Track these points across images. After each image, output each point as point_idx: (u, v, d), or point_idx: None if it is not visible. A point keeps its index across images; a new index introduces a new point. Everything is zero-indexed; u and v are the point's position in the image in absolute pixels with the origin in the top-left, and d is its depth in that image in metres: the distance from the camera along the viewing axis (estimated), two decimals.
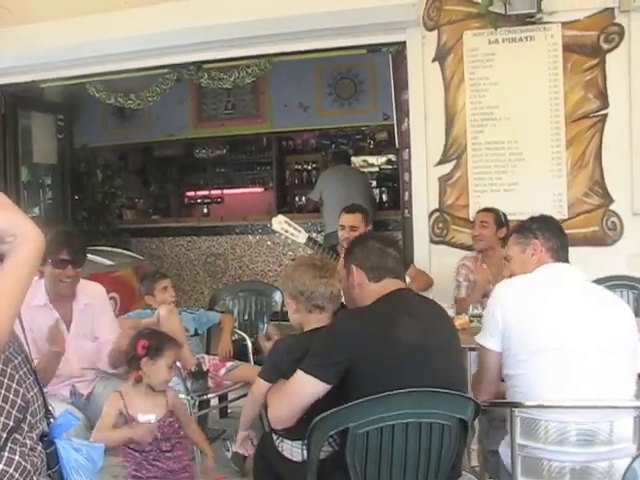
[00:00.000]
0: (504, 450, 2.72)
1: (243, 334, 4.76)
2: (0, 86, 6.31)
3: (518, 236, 2.96)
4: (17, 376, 1.38)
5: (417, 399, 2.28)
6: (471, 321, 3.92)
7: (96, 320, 3.69)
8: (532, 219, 3.00)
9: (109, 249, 6.76)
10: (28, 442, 1.36)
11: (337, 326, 2.55)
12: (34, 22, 5.60)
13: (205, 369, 4.26)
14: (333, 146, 9.65)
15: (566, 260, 2.88)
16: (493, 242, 4.50)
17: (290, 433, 2.56)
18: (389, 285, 2.59)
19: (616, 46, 4.71)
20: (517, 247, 2.94)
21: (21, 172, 7.05)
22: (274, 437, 2.67)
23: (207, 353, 4.63)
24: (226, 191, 10.48)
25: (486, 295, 4.28)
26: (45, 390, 1.53)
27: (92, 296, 3.76)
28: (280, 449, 2.64)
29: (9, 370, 1.36)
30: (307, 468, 2.39)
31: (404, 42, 5.15)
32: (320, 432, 2.32)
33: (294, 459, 2.59)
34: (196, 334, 4.51)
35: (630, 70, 4.68)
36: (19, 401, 1.35)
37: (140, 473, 2.92)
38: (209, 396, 4.37)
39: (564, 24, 4.75)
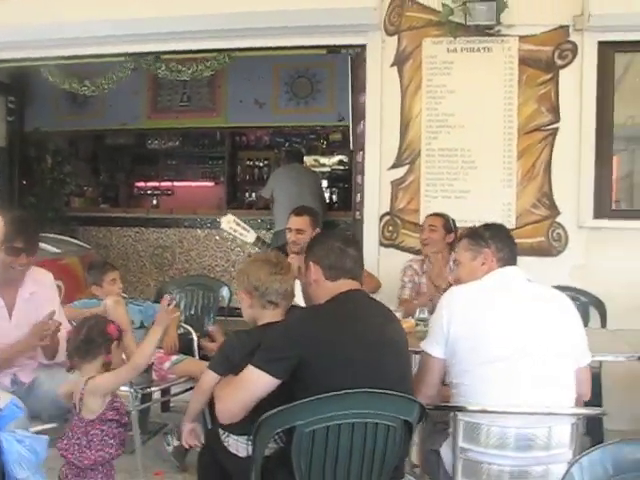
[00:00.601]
0: (445, 451, 2.77)
1: (189, 328, 4.72)
2: None
3: (470, 242, 3.00)
4: None
5: (365, 399, 2.30)
6: (417, 324, 3.96)
7: (41, 310, 3.59)
8: (485, 227, 3.04)
9: (56, 236, 6.63)
10: None
11: (289, 323, 2.57)
12: None
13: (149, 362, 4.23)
14: (287, 144, 9.65)
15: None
16: (441, 247, 4.55)
17: (236, 428, 2.56)
18: (344, 285, 2.61)
19: (569, 62, 4.84)
20: (468, 253, 2.98)
21: None
22: (220, 432, 2.67)
23: None
24: (176, 183, 10.40)
25: (431, 299, 4.37)
26: None
27: (41, 284, 3.68)
28: (226, 444, 2.64)
29: None
30: (251, 464, 2.40)
31: (364, 45, 5.18)
32: (267, 429, 2.32)
33: (239, 454, 2.59)
34: (142, 327, 4.46)
35: (581, 86, 4.82)
36: None
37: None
38: (152, 389, 4.34)
39: (521, 38, 4.86)
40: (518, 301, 2.77)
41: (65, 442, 2.70)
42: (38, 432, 3.35)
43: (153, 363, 4.23)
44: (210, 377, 2.66)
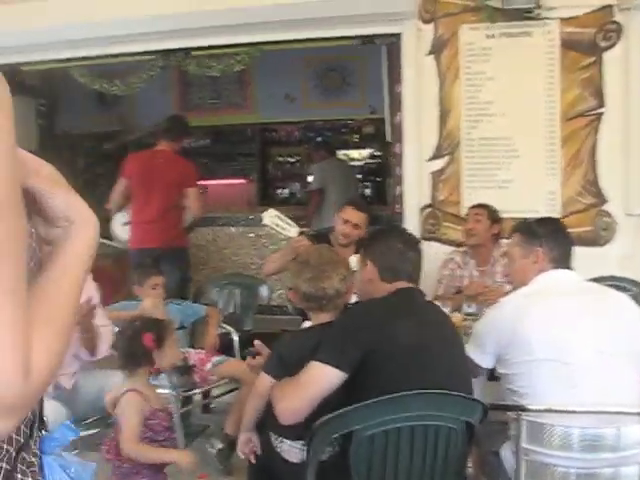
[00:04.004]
0: (506, 453, 2.67)
1: (229, 328, 4.66)
2: None
3: (522, 238, 2.89)
4: None
5: (425, 401, 2.21)
6: (465, 319, 3.85)
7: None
8: (540, 222, 2.94)
9: None
10: (34, 460, 1.15)
11: (350, 316, 2.51)
12: (19, 3, 5.43)
13: (191, 364, 4.16)
14: (318, 138, 9.53)
15: (568, 267, 2.83)
16: (485, 238, 4.40)
17: (291, 433, 2.47)
18: (400, 286, 2.54)
19: (614, 44, 4.65)
20: (519, 249, 2.88)
21: None
22: (272, 437, 2.58)
23: (192, 347, 4.52)
24: (208, 181, 10.33)
25: (460, 290, 4.26)
26: None
27: None
28: (279, 449, 2.55)
29: None
30: (306, 470, 2.30)
31: (399, 34, 5.05)
32: (323, 434, 2.24)
33: (292, 460, 2.50)
34: (181, 327, 4.40)
35: (627, 69, 4.63)
36: (29, 414, 1.14)
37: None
38: (194, 392, 4.29)
39: (562, 20, 4.69)
40: (573, 299, 2.67)
41: (107, 443, 2.75)
42: (81, 437, 3.38)
43: (195, 365, 4.17)
44: (265, 380, 2.56)
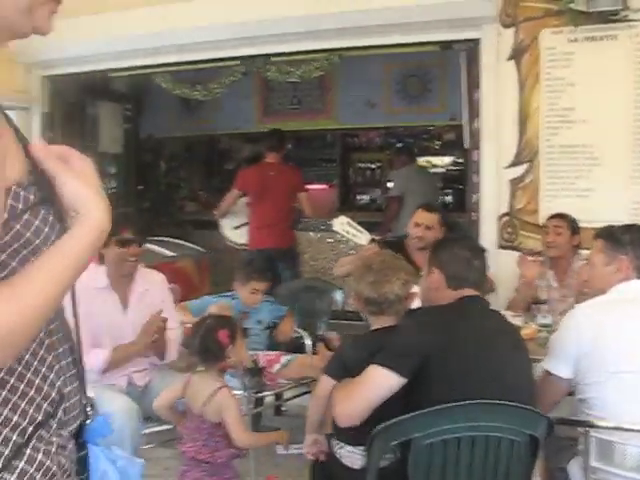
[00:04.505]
0: (573, 470, 2.59)
1: (302, 332, 4.68)
2: (70, 75, 6.37)
3: (606, 245, 2.78)
4: (57, 367, 1.22)
5: (486, 411, 2.17)
6: (539, 331, 3.76)
7: (153, 308, 3.66)
8: (625, 228, 2.82)
9: (170, 240, 6.77)
10: (55, 440, 1.19)
11: (411, 323, 2.48)
12: (105, 12, 5.62)
13: (260, 366, 4.19)
14: (399, 145, 9.48)
15: None
16: (566, 250, 4.30)
17: (352, 438, 2.46)
18: (465, 293, 2.51)
19: None
20: (602, 256, 2.78)
21: None
22: (333, 443, 2.58)
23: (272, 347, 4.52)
24: None
25: (542, 302, 4.14)
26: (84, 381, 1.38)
27: (152, 283, 3.78)
28: (338, 456, 2.54)
29: (49, 359, 1.20)
30: (366, 477, 2.29)
31: (478, 39, 4.97)
32: (381, 441, 2.22)
33: (353, 466, 2.48)
34: (267, 327, 4.44)
35: None
36: (53, 394, 1.19)
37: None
38: (265, 394, 4.31)
39: None
40: None
41: (190, 444, 2.80)
42: (153, 433, 3.46)
43: (264, 367, 4.20)
44: (326, 382, 2.58)
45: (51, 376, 1.19)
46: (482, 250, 2.71)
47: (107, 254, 3.58)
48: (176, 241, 6.81)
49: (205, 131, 9.28)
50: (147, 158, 8.24)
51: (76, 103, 6.75)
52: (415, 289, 2.68)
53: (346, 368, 2.51)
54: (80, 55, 5.98)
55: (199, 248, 6.91)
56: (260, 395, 4.19)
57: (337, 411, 2.42)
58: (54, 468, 1.17)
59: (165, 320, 3.58)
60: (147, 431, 3.46)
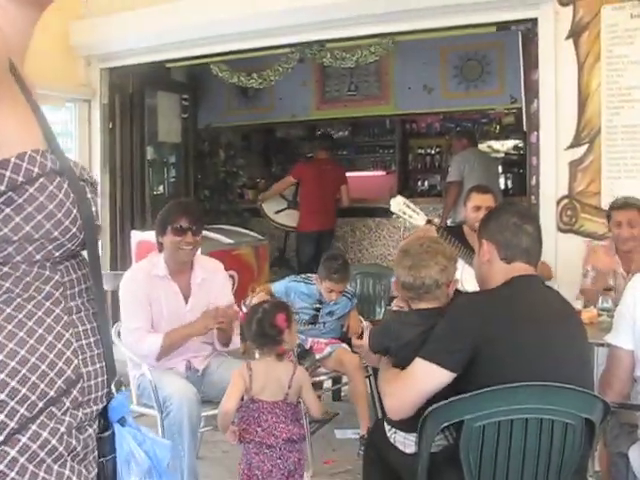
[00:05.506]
0: (634, 455, 2.53)
1: (360, 317, 4.67)
2: (129, 66, 6.49)
3: None
4: (76, 345, 1.21)
5: (539, 393, 2.12)
6: (599, 315, 3.68)
7: (214, 295, 3.71)
8: None
9: (230, 227, 6.83)
10: (67, 420, 1.17)
11: (461, 311, 2.36)
12: (162, 4, 5.71)
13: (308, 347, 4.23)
14: (458, 128, 9.36)
15: None
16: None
17: (405, 425, 2.43)
18: (519, 270, 2.40)
19: None
20: None
21: (146, 150, 7.23)
22: (387, 427, 2.56)
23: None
24: (348, 173, 10.41)
25: (611, 288, 4.02)
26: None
27: (210, 271, 3.81)
28: (392, 440, 2.52)
29: (67, 335, 1.19)
30: (418, 460, 2.28)
31: (535, 19, 4.86)
32: (433, 423, 2.20)
33: (407, 451, 2.46)
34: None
35: None
36: (69, 372, 1.18)
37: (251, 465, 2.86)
38: (322, 378, 4.34)
39: None
40: None
41: (256, 426, 2.82)
42: (212, 416, 3.51)
43: (312, 348, 4.25)
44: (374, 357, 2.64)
45: (67, 353, 1.19)
46: (532, 216, 2.59)
47: (165, 242, 3.64)
48: (235, 229, 6.87)
49: (262, 119, 9.33)
50: (205, 147, 8.31)
51: (135, 94, 6.85)
52: (457, 275, 2.63)
53: (390, 340, 2.50)
54: (138, 47, 6.10)
55: (258, 235, 6.95)
56: (316, 380, 4.20)
57: (389, 406, 2.39)
58: (60, 449, 1.15)
59: (237, 312, 3.64)
60: (206, 414, 3.50)
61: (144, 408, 3.58)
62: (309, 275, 4.44)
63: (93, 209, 1.25)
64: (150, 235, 3.99)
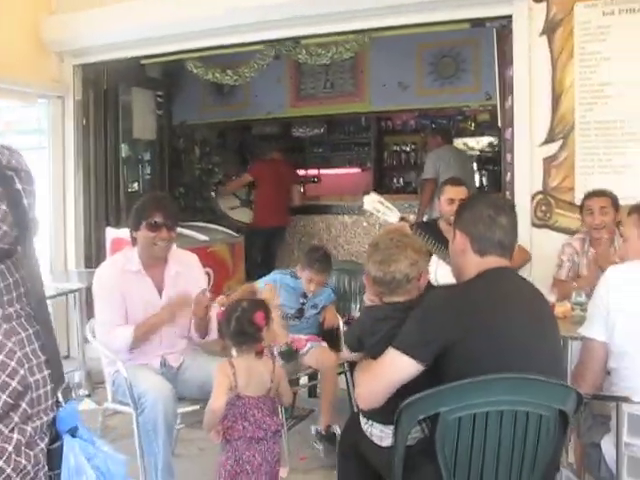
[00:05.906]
0: (607, 446, 2.56)
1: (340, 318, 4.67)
2: (103, 62, 6.43)
3: None
4: (19, 354, 1.12)
5: (514, 385, 2.13)
6: (573, 309, 3.71)
7: (188, 288, 3.68)
8: None
9: (204, 225, 6.81)
10: (16, 437, 1.07)
11: (434, 304, 2.35)
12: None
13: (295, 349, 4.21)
14: (433, 126, 9.39)
15: None
16: (612, 229, 4.21)
17: (380, 416, 2.43)
18: (492, 263, 2.39)
19: None
20: (638, 231, 2.76)
21: (121, 147, 7.17)
22: (363, 420, 2.56)
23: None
24: (323, 171, 10.41)
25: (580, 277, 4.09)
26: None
27: (185, 265, 3.79)
28: (369, 434, 2.52)
29: (9, 344, 1.10)
30: (394, 453, 2.28)
31: (510, 16, 4.88)
32: (409, 416, 2.20)
33: (382, 444, 2.46)
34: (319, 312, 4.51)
35: None
36: (14, 384, 1.08)
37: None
38: (299, 374, 4.33)
39: None
40: None
41: (243, 421, 2.82)
42: (187, 414, 3.49)
43: (298, 349, 4.22)
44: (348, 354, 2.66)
45: (12, 364, 1.10)
46: (509, 207, 2.54)
47: (138, 238, 3.61)
48: (210, 226, 6.85)
49: (238, 117, 9.30)
50: (180, 144, 8.28)
51: (109, 90, 6.80)
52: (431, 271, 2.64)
53: (367, 339, 2.50)
54: (111, 42, 6.05)
55: (233, 233, 6.94)
56: (293, 377, 4.19)
57: (358, 393, 2.41)
58: (8, 470, 1.06)
59: (210, 298, 3.61)
60: (181, 411, 3.49)
61: (119, 405, 3.55)
62: (295, 269, 4.45)
63: (25, 201, 1.14)
64: (125, 232, 3.97)
